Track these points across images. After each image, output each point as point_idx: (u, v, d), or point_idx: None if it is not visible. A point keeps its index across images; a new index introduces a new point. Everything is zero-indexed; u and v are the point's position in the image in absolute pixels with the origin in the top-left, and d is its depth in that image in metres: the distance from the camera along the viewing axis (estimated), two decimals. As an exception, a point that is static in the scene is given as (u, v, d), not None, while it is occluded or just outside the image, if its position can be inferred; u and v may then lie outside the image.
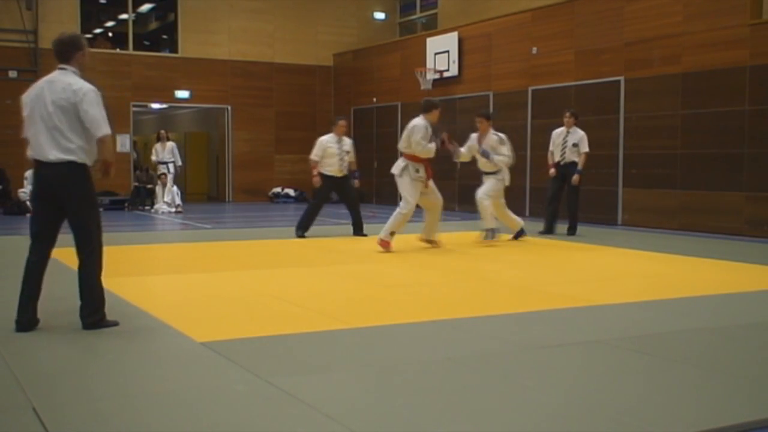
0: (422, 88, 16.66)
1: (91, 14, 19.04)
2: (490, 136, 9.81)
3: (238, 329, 4.90)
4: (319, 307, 5.68)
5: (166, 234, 12.33)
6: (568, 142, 10.73)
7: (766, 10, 11.44)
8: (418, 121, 8.99)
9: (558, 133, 10.95)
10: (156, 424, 3.21)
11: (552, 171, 10.96)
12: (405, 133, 9.06)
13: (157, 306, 5.60)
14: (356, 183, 11.25)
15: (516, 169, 14.95)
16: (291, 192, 19.71)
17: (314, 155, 10.72)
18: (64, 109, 4.67)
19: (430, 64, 16.72)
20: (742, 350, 4.56)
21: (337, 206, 18.09)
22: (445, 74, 16.39)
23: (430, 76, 16.58)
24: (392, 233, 8.96)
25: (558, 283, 6.88)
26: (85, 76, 4.83)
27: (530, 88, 14.67)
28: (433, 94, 16.72)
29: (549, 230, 10.89)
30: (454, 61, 16.23)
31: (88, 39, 18.61)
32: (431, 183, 9.16)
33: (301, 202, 19.37)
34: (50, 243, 4.89)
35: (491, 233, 9.69)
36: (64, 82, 4.71)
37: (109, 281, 6.57)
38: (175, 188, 16.57)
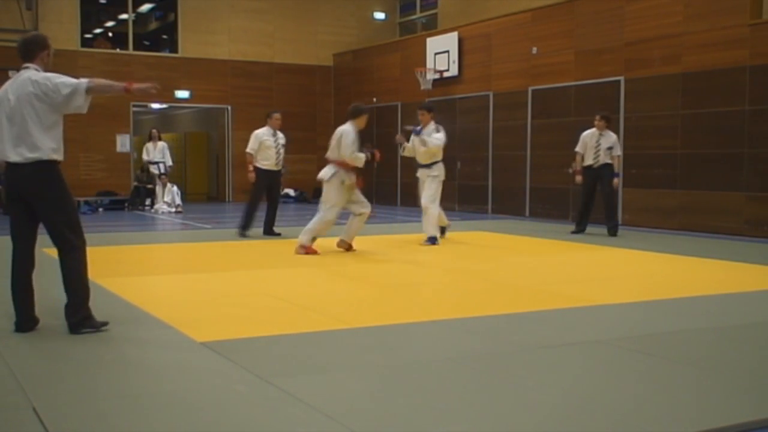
0: (422, 88, 16.66)
1: (91, 14, 19.03)
2: (429, 127, 9.87)
3: (238, 329, 4.90)
4: (319, 307, 5.68)
5: (166, 234, 12.33)
6: (602, 145, 10.61)
7: (766, 10, 11.44)
8: (347, 128, 8.88)
9: (589, 135, 10.77)
10: (156, 424, 3.21)
11: (578, 178, 10.92)
12: (334, 139, 8.93)
13: (157, 306, 5.60)
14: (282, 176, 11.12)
15: (516, 170, 15.02)
16: (291, 192, 19.70)
17: (250, 149, 10.65)
18: (26, 103, 4.58)
19: (430, 64, 16.71)
20: (742, 350, 4.56)
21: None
22: (445, 74, 16.39)
23: (430, 76, 16.58)
24: (314, 238, 8.76)
25: (558, 283, 6.88)
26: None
27: (530, 88, 14.67)
28: (433, 94, 16.73)
29: (581, 230, 10.90)
30: (454, 61, 16.23)
31: (88, 39, 18.72)
32: (357, 191, 9.07)
33: (301, 202, 19.37)
34: (31, 242, 4.81)
35: (434, 240, 9.68)
36: (24, 78, 4.65)
37: (109, 281, 6.59)
38: (175, 188, 16.58)
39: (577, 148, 10.92)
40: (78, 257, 4.74)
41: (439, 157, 9.97)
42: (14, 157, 4.62)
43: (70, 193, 4.77)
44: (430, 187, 9.88)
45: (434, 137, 9.79)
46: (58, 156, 4.69)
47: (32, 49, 4.78)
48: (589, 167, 10.73)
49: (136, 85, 4.82)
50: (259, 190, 10.73)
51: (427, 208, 9.78)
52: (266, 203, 10.81)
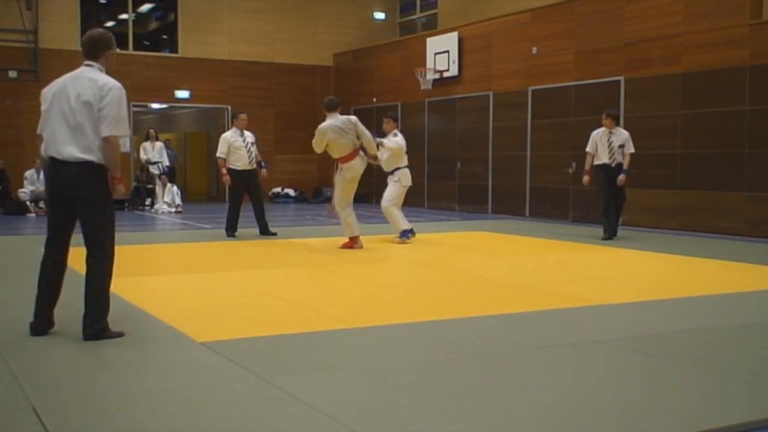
0: (422, 88, 16.67)
1: (91, 14, 19.02)
2: (391, 135, 9.99)
3: (238, 329, 4.90)
4: (320, 307, 5.68)
5: (166, 234, 12.33)
6: (614, 143, 10.26)
7: (766, 10, 11.45)
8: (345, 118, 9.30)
9: (599, 134, 10.40)
10: (156, 423, 3.22)
11: (586, 179, 10.53)
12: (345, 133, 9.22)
13: (157, 306, 5.60)
14: (264, 173, 11.09)
15: (516, 170, 15.02)
16: (291, 192, 19.71)
17: (220, 153, 10.67)
18: (87, 105, 4.46)
19: (430, 64, 16.71)
20: (742, 350, 4.57)
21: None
22: (445, 74, 16.39)
23: (430, 76, 16.58)
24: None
25: (558, 283, 6.88)
26: (111, 75, 4.67)
27: (530, 88, 14.67)
28: (433, 94, 16.75)
29: (611, 235, 10.35)
30: (454, 61, 16.23)
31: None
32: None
33: (301, 202, 19.38)
34: (64, 247, 4.69)
35: (406, 234, 9.85)
36: (89, 78, 4.52)
37: (109, 281, 6.59)
38: (175, 188, 16.59)
39: (588, 149, 10.53)
40: (105, 268, 4.61)
41: (402, 164, 10.09)
42: (67, 154, 4.49)
43: (112, 198, 4.65)
44: (390, 190, 10.11)
45: (391, 139, 9.92)
46: (99, 159, 4.56)
47: (97, 47, 4.65)
48: (604, 165, 10.30)
49: (118, 185, 4.62)
50: (238, 192, 10.82)
51: (386, 208, 10.02)
52: (251, 203, 10.86)
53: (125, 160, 18.31)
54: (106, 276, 4.62)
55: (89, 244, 4.60)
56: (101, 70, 4.62)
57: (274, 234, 10.71)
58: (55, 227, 4.67)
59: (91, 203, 4.55)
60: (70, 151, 4.49)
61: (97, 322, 4.58)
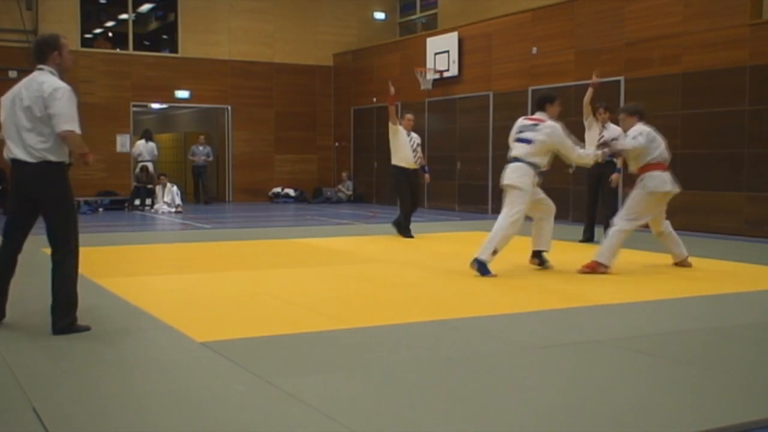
0: (422, 88, 16.68)
1: (91, 14, 19.03)
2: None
3: (238, 329, 4.90)
4: (319, 307, 5.68)
5: (166, 234, 12.33)
6: (605, 138, 9.61)
7: (766, 10, 11.45)
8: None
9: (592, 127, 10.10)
10: (156, 424, 3.22)
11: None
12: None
13: (157, 306, 5.60)
14: (427, 178, 11.23)
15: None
16: (291, 192, 19.71)
17: (392, 143, 10.77)
18: (28, 110, 4.66)
19: (430, 64, 16.71)
20: (742, 350, 4.57)
21: (336, 206, 18.11)
22: (445, 74, 16.39)
23: (430, 76, 16.58)
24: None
25: (558, 283, 6.88)
26: (64, 77, 4.82)
27: (530, 88, 14.66)
28: (433, 94, 16.75)
29: (589, 238, 10.12)
30: (454, 61, 16.23)
31: (88, 39, 18.71)
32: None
33: (301, 202, 19.39)
34: (19, 243, 4.89)
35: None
36: (38, 81, 4.70)
37: (109, 281, 6.59)
38: (175, 188, 16.60)
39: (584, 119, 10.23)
40: (72, 263, 4.79)
41: None
42: (22, 156, 4.69)
43: (71, 195, 4.83)
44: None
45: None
46: (65, 158, 4.77)
47: (44, 50, 4.81)
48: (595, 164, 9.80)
49: (89, 157, 4.85)
50: (404, 187, 10.74)
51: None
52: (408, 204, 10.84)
53: (125, 160, 18.35)
54: (72, 271, 4.78)
55: (52, 241, 4.77)
56: (52, 73, 4.78)
57: (411, 236, 10.55)
58: (13, 224, 4.87)
59: (48, 201, 4.73)
60: (19, 152, 4.71)
61: (66, 316, 4.73)
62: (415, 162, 10.71)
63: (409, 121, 10.82)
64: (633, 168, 8.16)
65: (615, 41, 13.00)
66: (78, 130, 4.70)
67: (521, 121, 7.81)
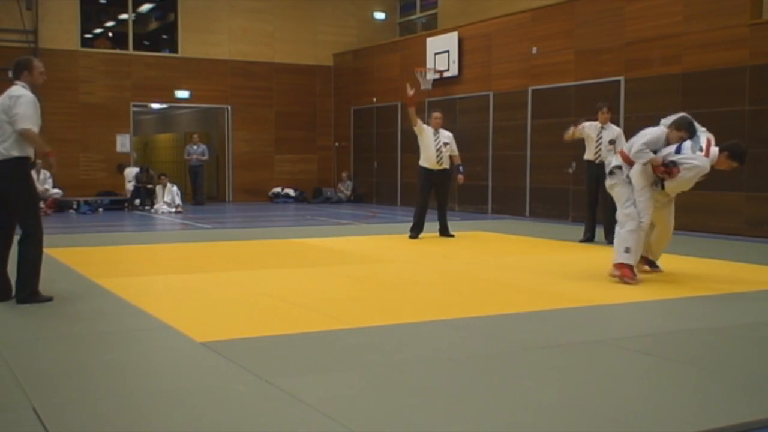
0: (422, 87, 16.66)
1: (91, 14, 19.02)
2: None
3: (238, 329, 4.90)
4: (319, 307, 5.68)
5: (166, 234, 12.33)
6: (603, 138, 9.76)
7: (766, 10, 11.45)
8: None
9: (591, 126, 9.98)
10: (156, 424, 3.22)
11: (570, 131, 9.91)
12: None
13: (157, 306, 5.60)
14: (461, 179, 10.84)
15: (516, 170, 15.01)
16: (291, 192, 19.72)
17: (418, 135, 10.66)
18: (4, 113, 5.52)
19: (430, 64, 16.72)
20: (742, 350, 4.57)
21: (336, 206, 18.12)
22: (445, 74, 16.39)
23: (430, 76, 16.59)
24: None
25: (558, 283, 6.87)
26: (35, 91, 5.68)
27: (530, 88, 14.68)
28: (433, 94, 16.74)
29: (590, 238, 10.01)
30: (454, 61, 16.23)
31: (88, 39, 18.71)
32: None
33: (301, 202, 19.39)
34: (8, 226, 5.71)
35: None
36: (9, 93, 5.63)
37: (109, 281, 6.60)
38: (175, 188, 16.60)
39: (580, 126, 10.02)
40: (32, 241, 5.59)
41: None
42: None
43: (32, 188, 5.75)
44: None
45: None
46: (23, 153, 5.56)
47: (17, 70, 5.79)
48: (590, 162, 9.99)
49: (51, 158, 6.18)
50: (425, 190, 10.60)
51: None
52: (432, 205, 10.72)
53: (125, 160, 18.35)
54: (33, 250, 5.61)
55: (19, 227, 5.70)
56: (24, 87, 5.71)
57: (452, 236, 10.48)
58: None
59: (11, 193, 5.58)
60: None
61: (26, 287, 5.53)
62: (438, 162, 10.38)
63: (437, 119, 10.58)
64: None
65: (615, 41, 13.00)
66: (36, 130, 5.52)
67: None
